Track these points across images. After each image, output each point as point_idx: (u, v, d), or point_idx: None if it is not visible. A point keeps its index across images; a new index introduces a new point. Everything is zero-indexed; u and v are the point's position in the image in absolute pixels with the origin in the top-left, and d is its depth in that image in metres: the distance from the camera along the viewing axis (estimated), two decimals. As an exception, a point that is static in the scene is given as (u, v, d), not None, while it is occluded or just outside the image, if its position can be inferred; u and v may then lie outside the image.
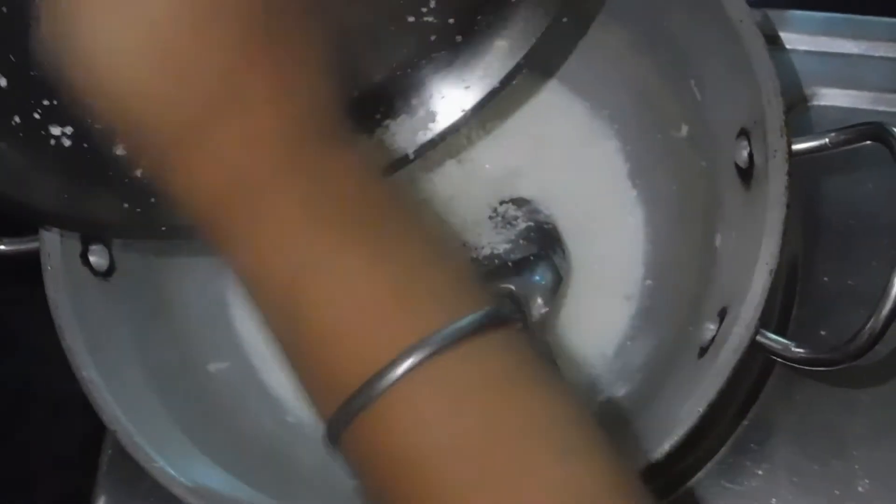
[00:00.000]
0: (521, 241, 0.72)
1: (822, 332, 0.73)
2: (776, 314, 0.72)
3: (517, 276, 0.70)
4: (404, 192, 0.55)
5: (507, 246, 0.72)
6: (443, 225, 0.70)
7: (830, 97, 0.77)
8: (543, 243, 0.72)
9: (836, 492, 0.70)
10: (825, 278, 0.74)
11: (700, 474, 0.71)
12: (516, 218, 0.73)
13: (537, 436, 0.43)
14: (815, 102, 0.77)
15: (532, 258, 0.70)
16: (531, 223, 0.73)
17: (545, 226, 0.73)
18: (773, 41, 0.77)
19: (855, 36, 0.79)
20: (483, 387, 0.43)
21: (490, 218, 0.73)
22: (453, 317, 0.43)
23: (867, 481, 0.70)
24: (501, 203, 0.74)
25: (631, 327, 0.72)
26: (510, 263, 0.71)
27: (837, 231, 0.75)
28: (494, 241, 0.72)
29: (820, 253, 0.75)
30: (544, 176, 0.75)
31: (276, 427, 0.73)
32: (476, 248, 0.72)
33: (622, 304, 0.73)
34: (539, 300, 0.69)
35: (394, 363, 0.42)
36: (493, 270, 0.70)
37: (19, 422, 0.80)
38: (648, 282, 0.72)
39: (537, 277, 0.70)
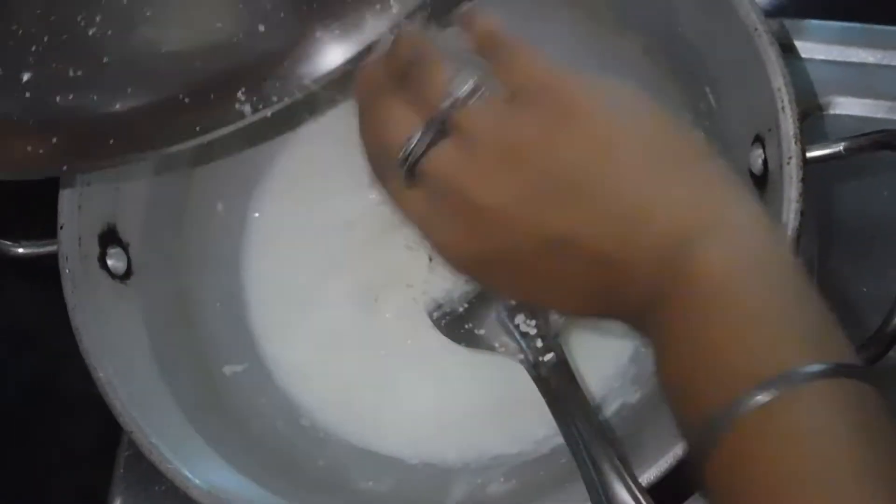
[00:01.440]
0: None
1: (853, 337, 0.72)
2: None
3: None
4: None
5: None
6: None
7: (846, 106, 0.78)
8: None
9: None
10: (841, 285, 0.74)
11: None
12: None
13: None
14: (831, 111, 0.78)
15: None
16: None
17: None
18: (789, 50, 0.78)
19: (871, 45, 0.79)
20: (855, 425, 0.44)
21: None
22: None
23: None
24: None
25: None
26: None
27: (853, 238, 0.75)
28: None
29: (836, 260, 0.75)
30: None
31: (289, 430, 0.73)
32: None
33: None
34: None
35: (771, 382, 0.43)
36: None
37: (35, 421, 0.81)
38: None
39: None
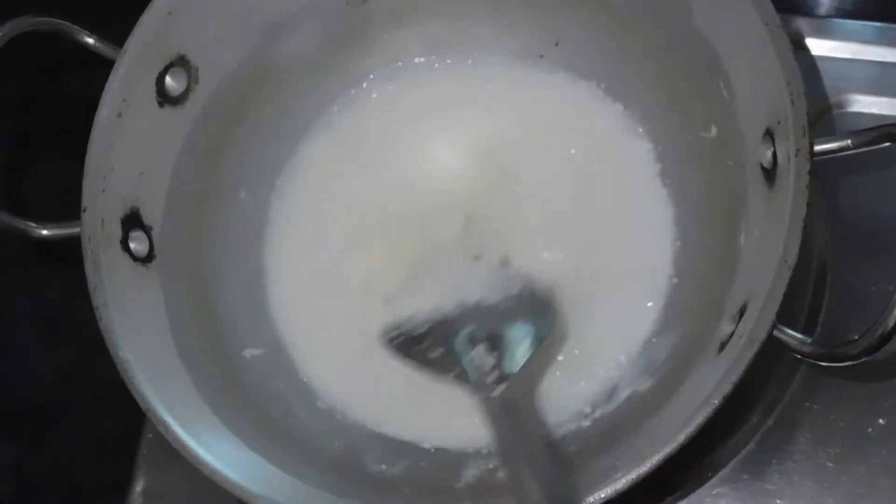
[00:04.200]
0: (511, 301, 0.74)
1: (856, 336, 0.73)
2: (804, 315, 0.74)
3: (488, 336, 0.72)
4: None
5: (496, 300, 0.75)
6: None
7: (861, 104, 0.78)
8: (533, 307, 0.74)
9: (859, 491, 0.71)
10: (849, 281, 0.75)
11: (725, 470, 0.72)
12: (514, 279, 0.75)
13: None
14: (846, 109, 0.78)
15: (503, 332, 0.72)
16: (526, 286, 0.75)
17: (538, 290, 0.75)
18: (801, 46, 0.79)
19: (887, 43, 0.79)
20: None
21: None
22: None
23: (889, 481, 0.70)
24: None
25: (656, 323, 0.73)
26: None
27: (863, 234, 0.76)
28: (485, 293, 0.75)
29: (848, 256, 0.75)
30: (577, 175, 0.77)
31: (305, 413, 0.74)
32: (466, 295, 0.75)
33: (649, 301, 0.74)
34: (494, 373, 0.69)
35: None
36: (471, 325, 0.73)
37: (62, 407, 0.82)
38: (675, 280, 0.74)
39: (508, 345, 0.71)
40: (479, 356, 0.70)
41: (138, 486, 0.78)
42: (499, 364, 0.69)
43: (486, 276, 0.76)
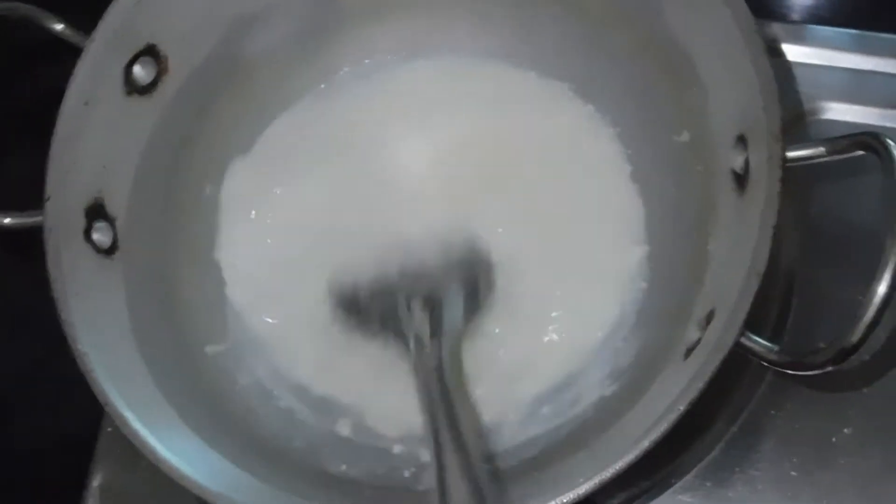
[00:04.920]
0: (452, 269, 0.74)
1: (822, 344, 0.72)
2: (771, 322, 0.73)
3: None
4: None
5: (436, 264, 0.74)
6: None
7: (837, 111, 0.78)
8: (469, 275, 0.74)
9: (823, 500, 0.70)
10: (823, 288, 0.75)
11: (688, 477, 0.71)
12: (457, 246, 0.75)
13: None
14: (820, 116, 0.78)
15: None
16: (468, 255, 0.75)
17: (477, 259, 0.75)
18: (776, 52, 0.78)
19: (863, 51, 0.79)
20: None
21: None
22: None
23: (854, 490, 0.70)
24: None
25: (621, 326, 0.73)
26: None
27: (836, 242, 0.75)
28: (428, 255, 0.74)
29: (818, 263, 0.75)
30: (546, 174, 0.77)
31: (267, 412, 0.73)
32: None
33: (617, 305, 0.73)
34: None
35: None
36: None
37: (24, 402, 0.81)
38: (643, 284, 0.73)
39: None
40: (416, 315, 0.70)
41: (95, 482, 0.76)
42: (434, 327, 0.69)
43: (432, 241, 0.75)
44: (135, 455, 0.63)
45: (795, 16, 0.82)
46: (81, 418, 0.76)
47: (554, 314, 0.74)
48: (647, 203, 0.75)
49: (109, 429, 0.77)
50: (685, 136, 0.72)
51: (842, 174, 0.74)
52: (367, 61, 0.81)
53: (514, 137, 0.78)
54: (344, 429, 0.73)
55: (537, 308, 0.74)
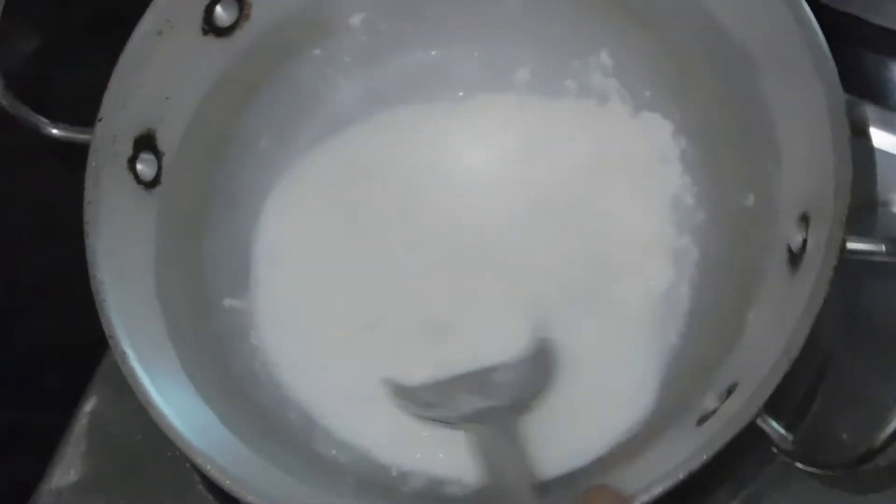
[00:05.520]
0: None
1: (844, 436, 0.71)
2: (795, 405, 0.71)
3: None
4: None
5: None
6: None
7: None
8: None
9: None
10: (857, 383, 0.72)
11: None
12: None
13: None
14: (894, 209, 0.75)
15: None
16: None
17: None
18: (863, 133, 0.76)
19: (954, 155, 0.77)
20: None
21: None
22: None
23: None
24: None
25: (646, 381, 0.71)
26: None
27: (881, 339, 0.73)
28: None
29: (858, 357, 0.72)
30: (608, 204, 0.76)
31: (268, 378, 0.72)
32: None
33: (646, 357, 0.72)
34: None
35: None
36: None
37: (35, 310, 0.81)
38: (674, 340, 0.71)
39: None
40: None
41: (88, 406, 0.76)
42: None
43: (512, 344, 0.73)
44: (130, 390, 0.63)
45: (892, 101, 0.79)
46: (87, 340, 0.75)
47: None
48: (699, 259, 0.73)
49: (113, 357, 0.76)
50: (750, 201, 0.70)
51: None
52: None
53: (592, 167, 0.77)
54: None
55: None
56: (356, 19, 0.78)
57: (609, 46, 0.77)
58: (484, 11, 0.78)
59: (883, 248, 0.61)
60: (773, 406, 0.59)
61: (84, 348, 0.76)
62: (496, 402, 0.69)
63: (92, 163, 0.66)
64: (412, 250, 0.76)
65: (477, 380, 0.71)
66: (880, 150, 0.76)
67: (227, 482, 0.61)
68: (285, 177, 0.78)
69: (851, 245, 0.60)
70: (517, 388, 0.70)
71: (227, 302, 0.73)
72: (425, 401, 0.70)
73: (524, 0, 0.78)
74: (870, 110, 0.77)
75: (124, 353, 0.63)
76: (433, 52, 0.79)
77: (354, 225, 0.77)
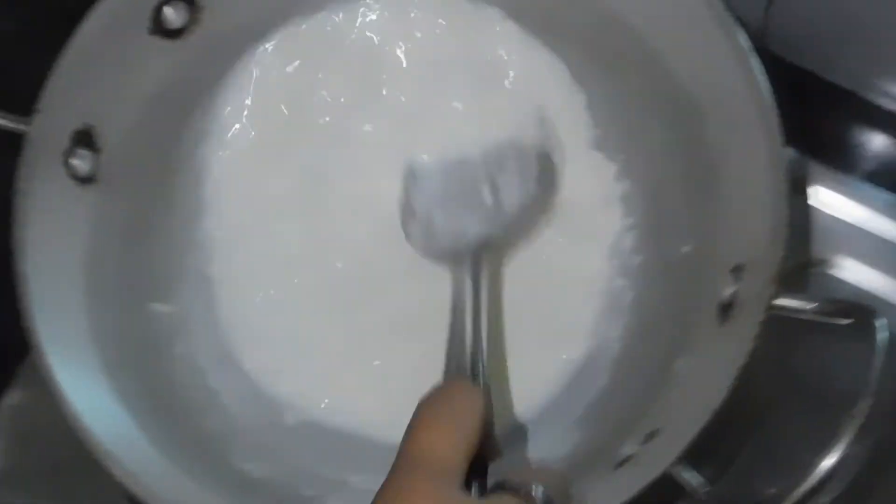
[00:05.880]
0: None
1: (762, 491, 0.69)
2: (719, 459, 0.71)
3: None
4: None
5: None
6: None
7: (847, 271, 0.75)
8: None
9: None
10: (782, 440, 0.72)
11: None
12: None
13: None
14: (831, 270, 0.75)
15: None
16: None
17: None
18: (804, 192, 0.76)
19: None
20: None
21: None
22: None
23: None
24: None
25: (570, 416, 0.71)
26: None
27: (808, 399, 0.73)
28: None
29: (786, 413, 0.73)
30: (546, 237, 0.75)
31: (192, 387, 0.71)
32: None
33: (574, 394, 0.72)
34: None
35: None
36: None
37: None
38: (603, 382, 0.71)
39: None
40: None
41: (10, 400, 0.75)
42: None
43: None
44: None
45: (839, 163, 0.79)
46: (13, 334, 0.74)
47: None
48: (631, 305, 0.73)
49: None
50: (688, 248, 0.69)
51: (835, 333, 0.72)
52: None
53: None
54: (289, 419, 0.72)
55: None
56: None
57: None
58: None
59: (812, 306, 0.61)
60: (698, 456, 0.59)
61: (9, 342, 0.75)
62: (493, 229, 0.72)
63: (27, 154, 0.65)
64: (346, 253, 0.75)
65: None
66: (822, 210, 0.76)
67: (135, 487, 0.60)
68: (228, 183, 0.77)
69: (781, 301, 0.60)
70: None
71: (157, 307, 0.72)
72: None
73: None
74: (816, 168, 0.77)
75: (42, 348, 0.62)
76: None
77: (295, 235, 0.76)
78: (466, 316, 0.65)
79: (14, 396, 0.75)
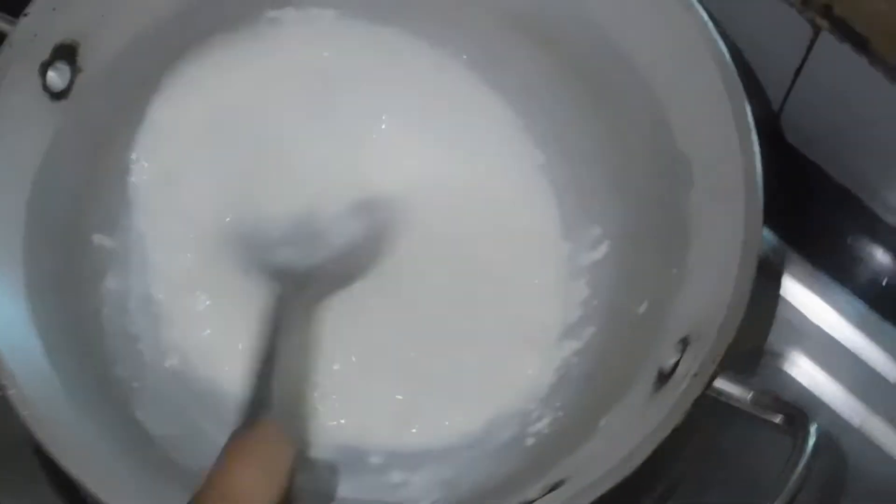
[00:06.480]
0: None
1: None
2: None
3: None
4: None
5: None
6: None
7: (799, 370, 0.74)
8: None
9: None
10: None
11: None
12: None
13: None
14: (779, 366, 0.74)
15: None
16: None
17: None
18: (776, 278, 0.75)
19: (862, 330, 0.75)
20: None
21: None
22: None
23: None
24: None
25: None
26: None
27: (729, 484, 0.72)
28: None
29: (697, 488, 0.71)
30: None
31: (112, 327, 0.70)
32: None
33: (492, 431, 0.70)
34: None
35: None
36: None
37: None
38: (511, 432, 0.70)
39: None
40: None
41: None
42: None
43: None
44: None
45: (824, 264, 0.77)
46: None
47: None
48: (580, 349, 0.71)
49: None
50: (642, 308, 0.68)
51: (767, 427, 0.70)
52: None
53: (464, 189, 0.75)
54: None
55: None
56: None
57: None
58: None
59: (749, 397, 0.60)
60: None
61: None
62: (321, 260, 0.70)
63: (3, 53, 0.64)
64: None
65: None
66: (790, 303, 0.75)
67: (28, 414, 0.58)
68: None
69: (719, 384, 0.59)
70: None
71: (97, 238, 0.71)
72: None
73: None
74: (795, 260, 0.76)
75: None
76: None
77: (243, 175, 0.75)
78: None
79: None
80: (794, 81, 0.72)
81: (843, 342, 0.75)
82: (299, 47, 0.76)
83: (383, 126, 0.75)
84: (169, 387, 0.69)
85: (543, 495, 0.59)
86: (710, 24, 0.66)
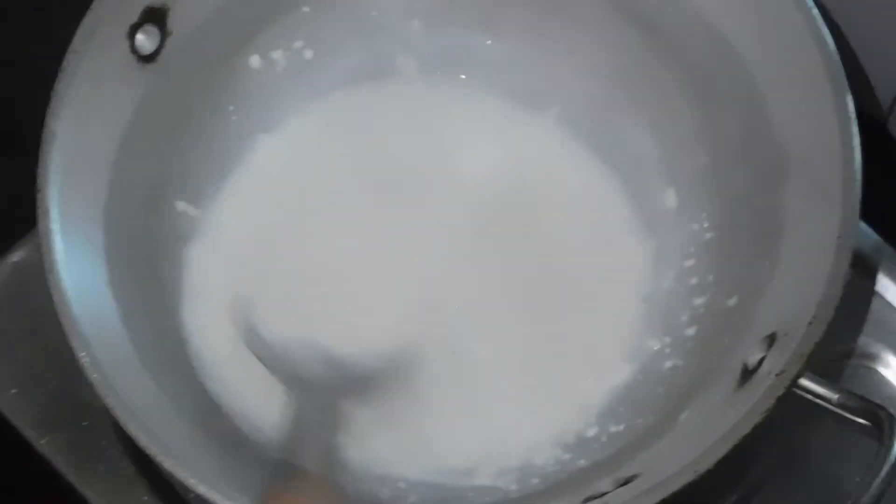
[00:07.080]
0: None
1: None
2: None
3: None
4: None
5: None
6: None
7: (892, 370, 0.71)
8: None
9: None
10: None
11: None
12: None
13: None
14: (874, 365, 0.71)
15: None
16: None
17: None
18: (871, 277, 0.72)
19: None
20: None
21: None
22: None
23: None
24: None
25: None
26: None
27: (807, 484, 0.70)
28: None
29: (775, 487, 0.70)
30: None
31: (186, 295, 0.69)
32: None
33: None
34: None
35: None
36: None
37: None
38: (592, 430, 0.68)
39: None
40: None
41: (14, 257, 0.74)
42: None
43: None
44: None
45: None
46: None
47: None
48: (668, 343, 0.70)
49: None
50: (732, 302, 0.66)
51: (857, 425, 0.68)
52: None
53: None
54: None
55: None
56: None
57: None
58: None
59: (835, 397, 0.58)
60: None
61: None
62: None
63: (92, 14, 0.63)
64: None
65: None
66: (888, 302, 0.72)
67: (94, 373, 0.58)
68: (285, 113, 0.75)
69: (805, 382, 0.57)
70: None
71: (181, 205, 0.70)
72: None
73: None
74: (889, 254, 0.73)
75: (47, 209, 0.60)
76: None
77: (341, 181, 0.74)
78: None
79: (18, 254, 0.74)
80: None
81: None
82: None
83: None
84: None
85: (616, 489, 0.58)
86: (817, 14, 0.64)
